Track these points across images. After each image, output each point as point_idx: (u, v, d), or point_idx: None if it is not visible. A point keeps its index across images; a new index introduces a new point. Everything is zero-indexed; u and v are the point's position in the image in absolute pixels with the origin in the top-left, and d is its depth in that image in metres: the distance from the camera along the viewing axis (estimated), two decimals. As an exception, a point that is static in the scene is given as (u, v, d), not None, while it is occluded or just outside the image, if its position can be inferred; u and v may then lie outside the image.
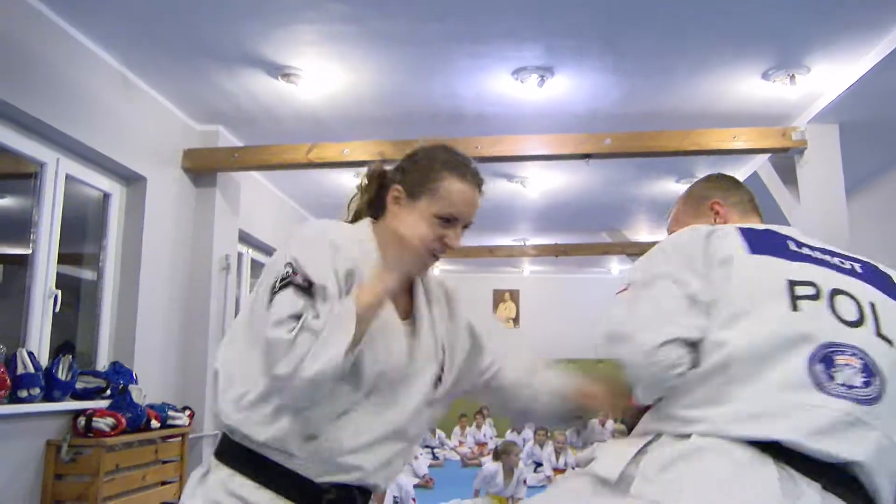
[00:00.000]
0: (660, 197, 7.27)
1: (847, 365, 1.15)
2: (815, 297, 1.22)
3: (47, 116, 3.66)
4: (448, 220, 1.40)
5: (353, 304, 1.26)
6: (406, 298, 1.45)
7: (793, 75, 4.21)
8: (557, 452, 8.08)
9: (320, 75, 4.39)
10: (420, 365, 1.40)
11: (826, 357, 1.16)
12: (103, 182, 4.42)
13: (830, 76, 4.29)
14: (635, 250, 9.11)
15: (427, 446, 9.39)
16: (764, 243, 1.30)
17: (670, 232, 1.60)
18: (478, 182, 1.45)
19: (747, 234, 1.32)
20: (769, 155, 5.26)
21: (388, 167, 1.51)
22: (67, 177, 4.04)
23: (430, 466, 8.32)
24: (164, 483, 4.25)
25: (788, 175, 5.12)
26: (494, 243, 9.19)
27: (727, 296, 1.22)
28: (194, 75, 4.40)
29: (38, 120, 3.62)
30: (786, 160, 5.12)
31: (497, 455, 6.45)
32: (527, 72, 4.31)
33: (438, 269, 11.07)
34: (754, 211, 1.62)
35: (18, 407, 3.35)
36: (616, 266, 10.98)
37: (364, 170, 1.53)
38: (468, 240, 1.59)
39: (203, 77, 4.42)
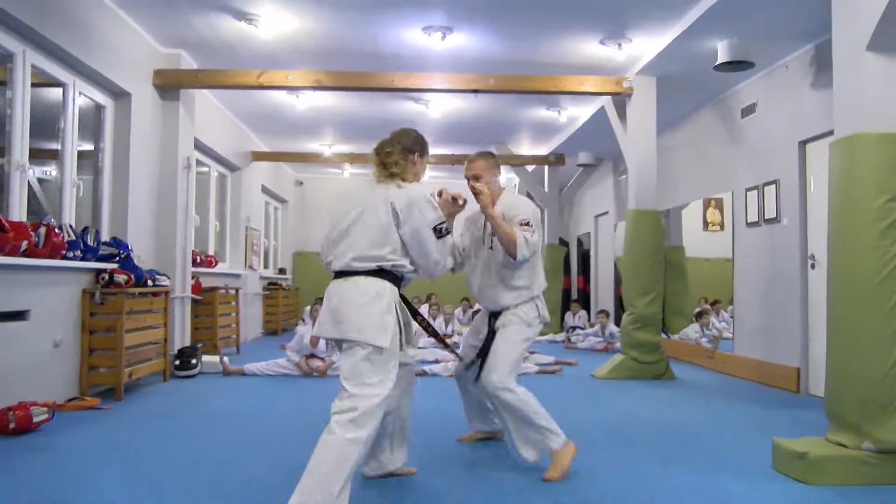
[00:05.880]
0: (536, 120, 9.01)
1: None
2: None
3: (66, 44, 4.83)
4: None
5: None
6: None
7: (620, 44, 5.92)
8: (446, 322, 10.15)
9: (277, 19, 5.67)
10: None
11: None
12: (99, 97, 5.64)
13: (647, 44, 6.02)
14: (517, 161, 10.91)
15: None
16: None
17: (477, 174, 3.39)
18: None
19: None
20: (610, 97, 7.04)
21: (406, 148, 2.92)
22: (80, 94, 5.28)
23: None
24: (153, 327, 5.75)
25: (622, 112, 6.94)
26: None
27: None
28: (168, 9, 5.55)
29: (58, 46, 4.77)
30: (621, 101, 6.92)
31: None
32: (433, 29, 5.79)
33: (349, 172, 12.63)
34: None
35: (66, 263, 4.72)
36: (503, 174, 12.71)
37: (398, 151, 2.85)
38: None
39: (174, 11, 5.59)
